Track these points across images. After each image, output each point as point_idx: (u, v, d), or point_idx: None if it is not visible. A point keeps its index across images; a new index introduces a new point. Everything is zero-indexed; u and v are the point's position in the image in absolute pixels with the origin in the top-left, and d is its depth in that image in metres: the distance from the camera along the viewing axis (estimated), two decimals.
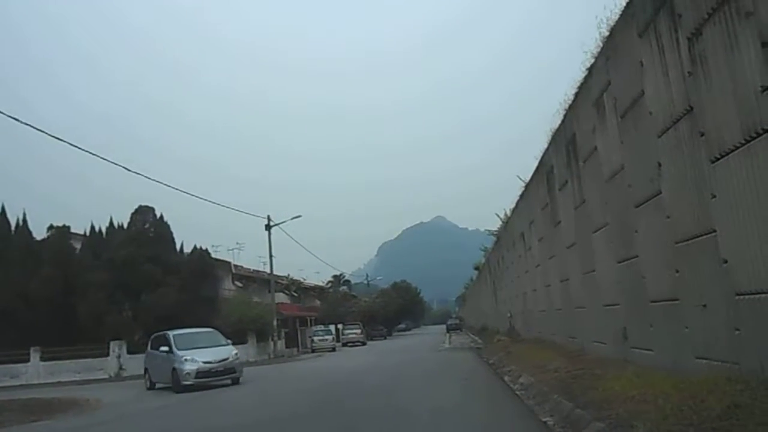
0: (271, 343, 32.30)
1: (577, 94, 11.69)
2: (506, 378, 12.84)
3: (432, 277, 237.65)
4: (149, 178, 23.77)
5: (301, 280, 61.04)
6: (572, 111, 12.31)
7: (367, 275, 79.14)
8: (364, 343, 46.55)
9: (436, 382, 13.49)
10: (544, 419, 7.24)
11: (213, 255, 37.92)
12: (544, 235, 17.30)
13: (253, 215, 33.05)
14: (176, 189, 26.60)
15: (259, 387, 15.87)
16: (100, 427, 9.78)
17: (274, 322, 31.92)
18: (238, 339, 29.89)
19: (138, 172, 22.59)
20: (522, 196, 21.17)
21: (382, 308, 64.07)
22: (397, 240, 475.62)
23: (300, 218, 35.56)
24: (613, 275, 10.23)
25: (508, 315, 24.41)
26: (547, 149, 15.47)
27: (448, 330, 60.86)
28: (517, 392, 10.39)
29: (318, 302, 62.26)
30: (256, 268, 47.31)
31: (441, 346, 32.31)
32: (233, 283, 38.70)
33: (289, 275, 49.24)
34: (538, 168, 17.14)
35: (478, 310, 56.68)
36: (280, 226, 33.12)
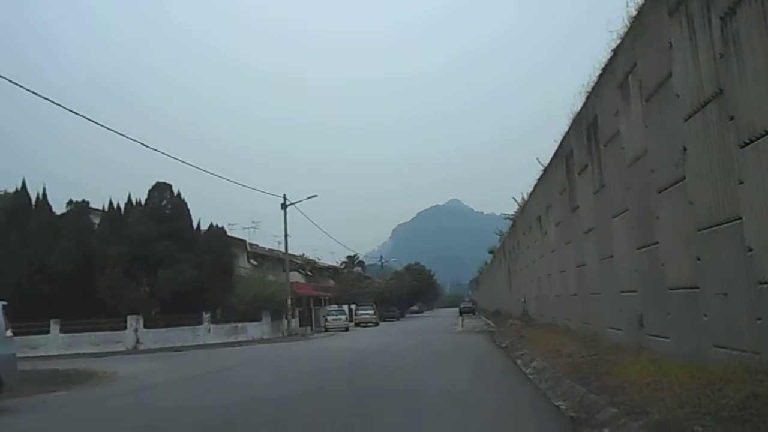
0: (285, 322, 32.59)
1: (600, 76, 11.45)
2: (519, 362, 12.81)
3: (446, 260, 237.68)
4: (166, 154, 23.98)
5: (316, 260, 61.37)
6: (595, 93, 12.07)
7: (381, 257, 79.30)
8: (377, 324, 46.86)
9: (448, 365, 13.50)
10: (556, 403, 7.19)
11: (229, 233, 38.23)
12: (562, 220, 17.13)
13: (269, 194, 33.24)
14: (192, 166, 26.80)
15: (272, 365, 16.02)
16: (117, 398, 9.93)
17: (289, 301, 32.17)
18: (252, 316, 30.30)
19: (155, 148, 22.75)
20: (540, 179, 20.94)
21: (396, 290, 64.29)
22: (411, 222, 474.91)
23: (315, 198, 35.64)
24: (631, 261, 10.09)
25: (522, 299, 24.33)
26: (568, 132, 15.23)
27: (461, 313, 60.92)
28: (530, 376, 10.36)
29: (332, 282, 62.64)
30: (271, 247, 47.62)
31: (453, 328, 32.39)
32: (248, 261, 38.99)
33: (303, 255, 49.51)
34: (557, 152, 16.91)
35: (491, 293, 56.66)
36: (296, 205, 33.25)
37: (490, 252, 48.75)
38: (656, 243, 8.66)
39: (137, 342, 25.87)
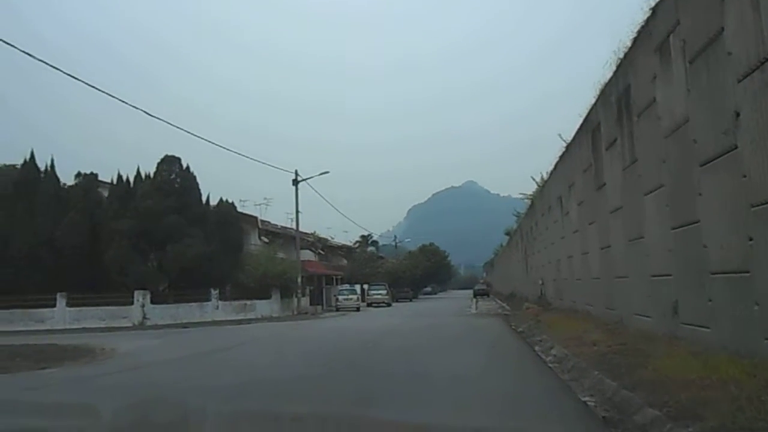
0: (295, 300, 32.04)
1: (635, 40, 10.45)
2: (537, 348, 12.02)
3: (460, 242, 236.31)
4: (170, 124, 23.29)
5: (329, 238, 60.82)
6: (628, 60, 11.07)
7: (396, 236, 78.46)
8: (389, 305, 46.26)
9: (461, 348, 12.77)
10: (583, 398, 6.39)
11: (240, 210, 37.69)
12: (585, 199, 16.19)
13: (280, 169, 32.46)
14: (201, 138, 26.14)
15: (277, 345, 15.42)
16: (105, 378, 9.33)
17: (299, 279, 31.57)
18: (262, 294, 29.78)
19: (159, 117, 22.11)
20: (561, 157, 19.95)
21: (409, 270, 63.49)
22: (426, 204, 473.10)
23: (330, 179, 34.99)
24: (665, 243, 9.20)
25: (540, 282, 23.48)
26: (594, 105, 14.23)
27: (475, 295, 60.15)
28: (550, 365, 9.56)
29: (345, 262, 62.14)
30: (284, 225, 47.12)
31: (467, 310, 31.66)
32: (260, 238, 38.46)
33: (315, 232, 48.86)
34: (582, 126, 15.91)
35: (506, 276, 55.77)
36: (308, 181, 32.49)
37: (507, 233, 47.77)
38: (697, 222, 7.77)
39: (144, 317, 25.48)
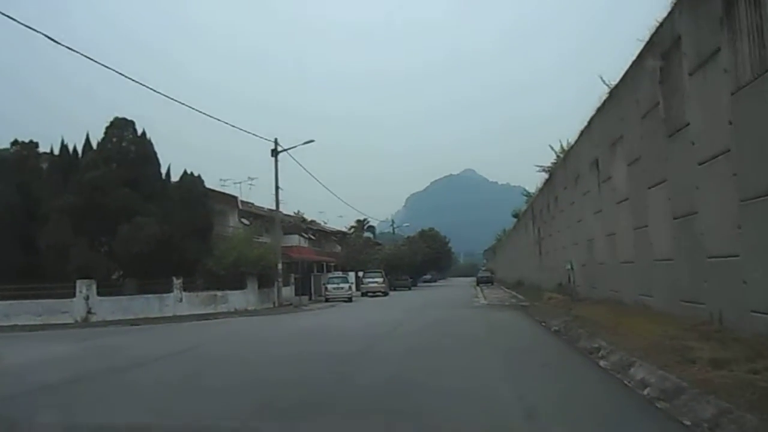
0: (276, 290, 27.82)
1: None
2: (603, 363, 7.87)
3: (460, 230, 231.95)
4: (134, 81, 18.88)
5: (322, 222, 56.68)
6: None
7: (393, 221, 73.80)
8: (386, 294, 42.10)
9: (487, 363, 8.67)
10: None
11: (221, 190, 33.58)
12: (643, 154, 12.00)
13: (258, 136, 27.82)
14: (167, 97, 21.83)
15: (228, 357, 11.21)
16: None
17: (279, 265, 27.32)
18: (236, 283, 25.62)
19: (121, 72, 17.88)
20: (601, 109, 15.73)
21: (408, 256, 59.07)
22: (425, 192, 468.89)
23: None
24: None
25: (568, 267, 19.34)
26: (672, 12, 9.97)
27: (479, 283, 56.06)
28: (658, 404, 5.42)
29: (339, 248, 58.04)
30: (270, 207, 43.06)
31: (475, 301, 27.51)
32: (240, 220, 34.33)
33: (299, 212, 44.31)
34: (643, 52, 11.63)
35: (512, 262, 51.70)
36: (289, 152, 28.04)
37: (514, 216, 43.61)
38: None
39: (89, 312, 21.22)
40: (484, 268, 65.32)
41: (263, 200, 43.30)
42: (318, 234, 52.78)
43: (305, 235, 46.98)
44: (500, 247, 72.58)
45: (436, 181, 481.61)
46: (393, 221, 73.35)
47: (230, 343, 13.52)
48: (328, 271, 42.95)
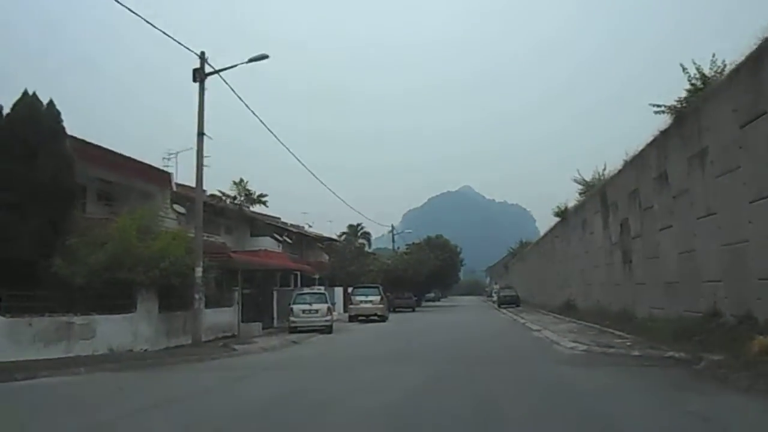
0: (193, 313, 16.03)
1: None
2: None
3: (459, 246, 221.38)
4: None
5: (306, 226, 45.51)
6: None
7: (393, 226, 61.66)
8: (383, 318, 30.66)
9: None
10: None
11: (142, 159, 22.53)
12: None
13: (180, 43, 15.49)
14: None
15: None
16: None
17: (199, 272, 15.59)
18: (114, 301, 14.18)
19: None
20: None
21: (413, 267, 47.04)
22: (422, 208, 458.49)
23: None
24: None
25: None
26: None
27: (500, 304, 44.63)
28: None
29: (327, 257, 46.77)
30: (225, 191, 31.97)
31: (543, 339, 16.21)
32: (172, 207, 23.11)
33: (243, 193, 32.30)
34: None
35: (543, 279, 40.48)
36: (221, 74, 16.22)
37: (557, 215, 32.43)
38: None
39: None
40: (503, 286, 53.74)
41: (216, 184, 32.23)
42: (299, 238, 41.57)
43: (279, 238, 35.75)
44: (518, 261, 61.30)
45: (433, 197, 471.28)
46: (393, 226, 61.64)
47: None
48: (302, 284, 31.45)
